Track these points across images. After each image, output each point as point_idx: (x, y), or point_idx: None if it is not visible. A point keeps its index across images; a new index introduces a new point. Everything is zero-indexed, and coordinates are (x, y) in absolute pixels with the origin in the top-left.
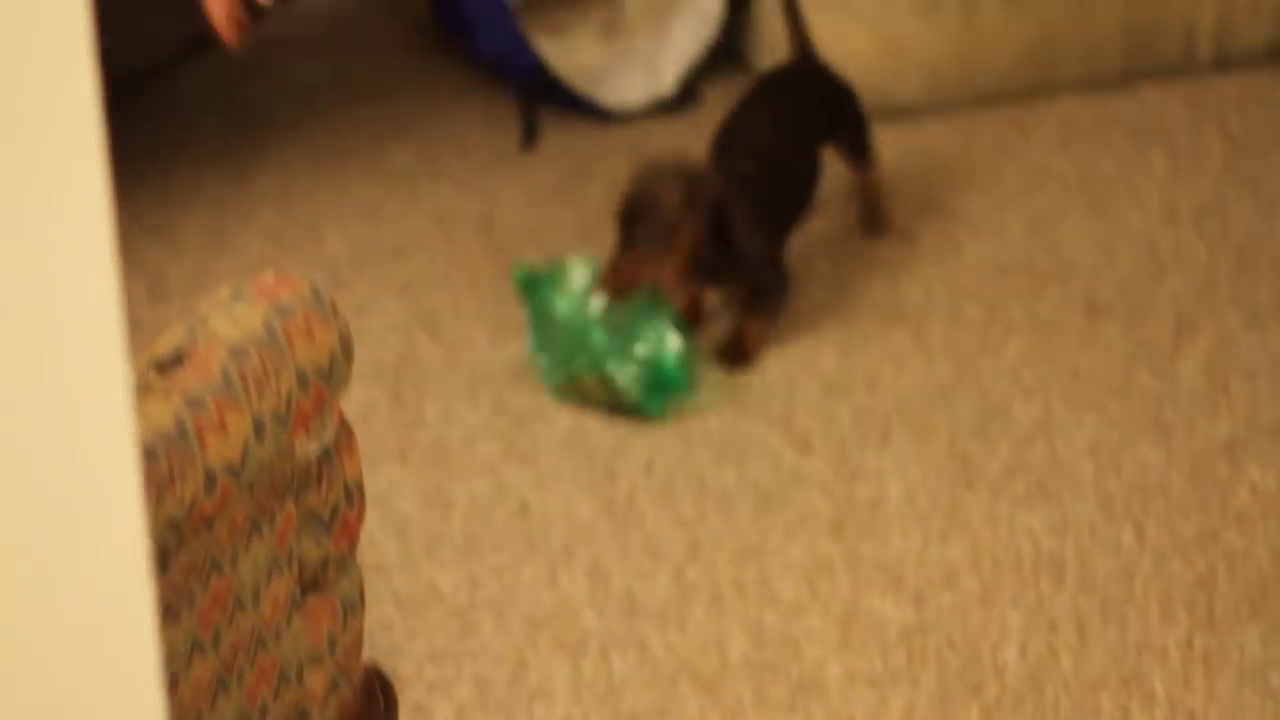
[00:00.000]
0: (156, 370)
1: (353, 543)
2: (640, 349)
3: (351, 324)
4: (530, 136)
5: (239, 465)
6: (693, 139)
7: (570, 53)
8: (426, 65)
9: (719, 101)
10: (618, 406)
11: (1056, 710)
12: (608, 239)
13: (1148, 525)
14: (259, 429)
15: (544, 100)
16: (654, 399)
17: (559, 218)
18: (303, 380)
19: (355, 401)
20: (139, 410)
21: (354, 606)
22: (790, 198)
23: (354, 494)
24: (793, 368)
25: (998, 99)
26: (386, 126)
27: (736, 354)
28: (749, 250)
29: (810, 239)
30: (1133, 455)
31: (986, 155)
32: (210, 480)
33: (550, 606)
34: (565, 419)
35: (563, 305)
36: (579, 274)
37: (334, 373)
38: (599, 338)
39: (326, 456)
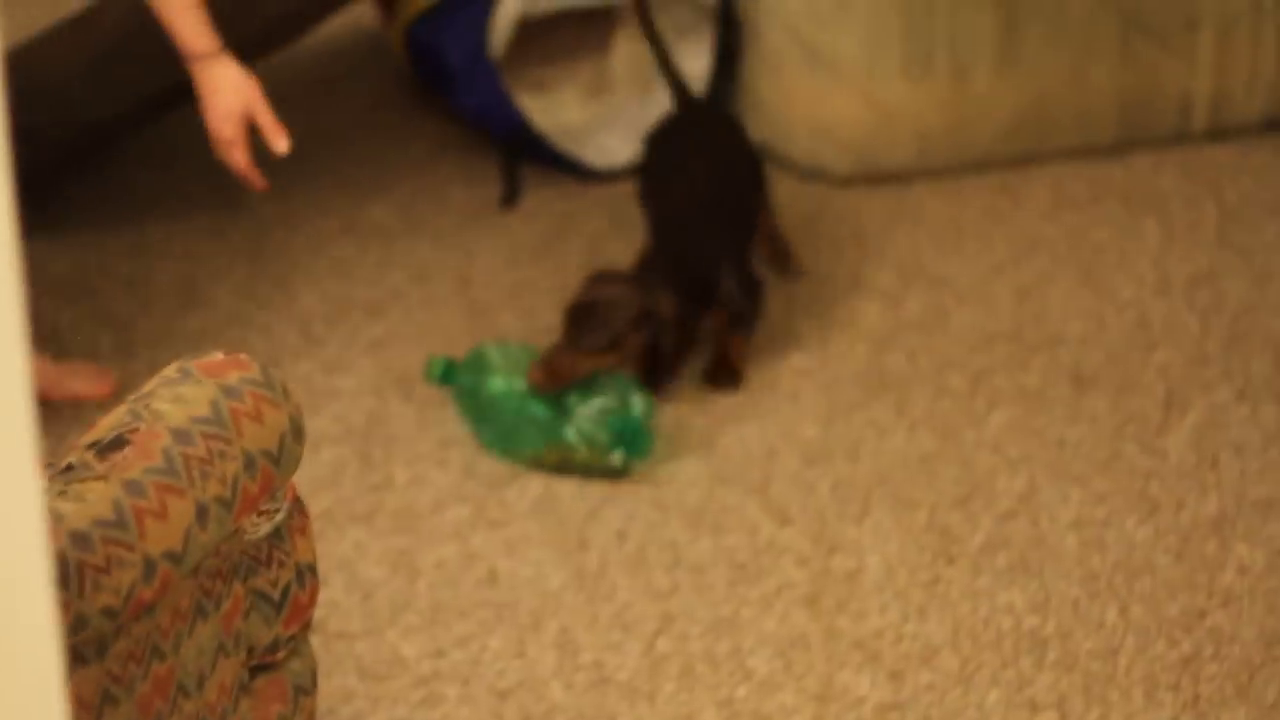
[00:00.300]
0: (96, 453)
1: (305, 624)
2: (601, 403)
3: (321, 383)
4: (511, 194)
5: (180, 552)
6: None
7: (554, 110)
8: (407, 120)
9: None
10: (583, 469)
11: None
12: None
13: (1132, 603)
14: (202, 515)
15: (525, 158)
16: (620, 452)
17: (537, 277)
18: (250, 464)
19: (323, 463)
20: (76, 494)
21: (306, 688)
22: (739, 222)
23: (306, 575)
24: (772, 436)
25: (988, 165)
26: (364, 182)
27: (727, 374)
28: (735, 298)
29: (793, 303)
30: (1118, 531)
31: (975, 222)
32: (149, 568)
33: (517, 677)
34: (537, 484)
35: (494, 384)
36: (502, 356)
37: (283, 456)
38: (539, 409)
39: (278, 536)
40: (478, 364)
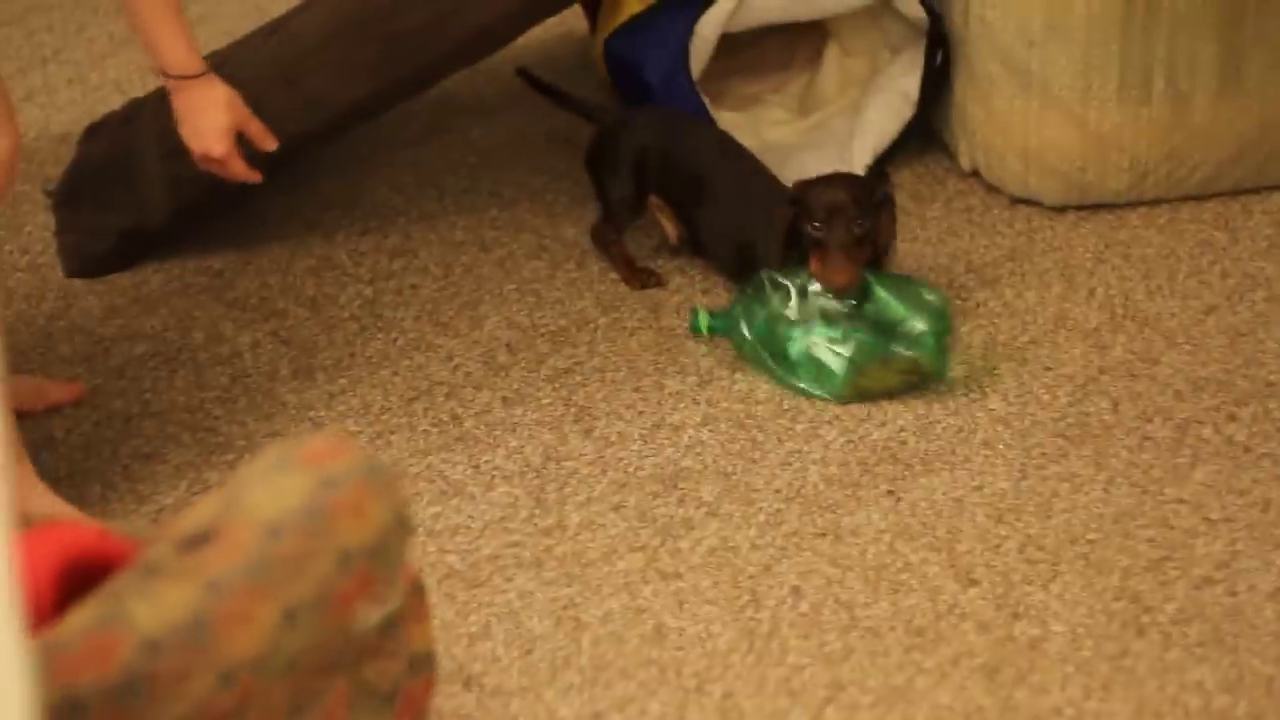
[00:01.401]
0: (178, 549)
1: (420, 715)
2: (919, 321)
3: (500, 415)
4: None
5: (265, 658)
6: None
7: (760, 128)
8: None
9: (909, 183)
10: (910, 381)
11: None
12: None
13: None
14: (290, 618)
15: None
16: (944, 360)
17: (728, 302)
18: (345, 562)
19: (494, 503)
20: (153, 595)
21: None
22: None
23: (421, 665)
24: (962, 489)
25: (1206, 195)
26: (561, 199)
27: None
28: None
29: (993, 342)
30: None
31: (1190, 256)
32: (227, 677)
33: None
34: (713, 534)
35: (785, 312)
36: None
37: (386, 552)
38: (833, 330)
39: (389, 626)
40: (748, 309)
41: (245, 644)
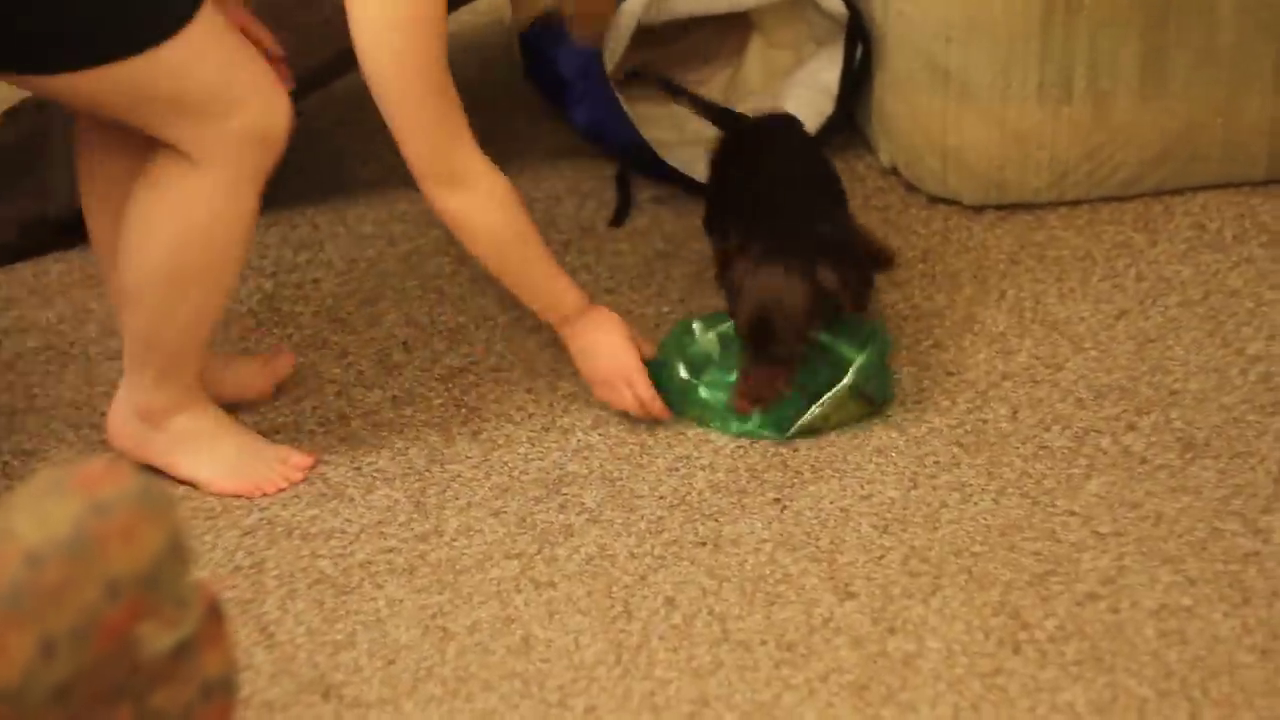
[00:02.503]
0: None
1: None
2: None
3: (389, 415)
4: (623, 212)
5: (21, 689)
6: None
7: (681, 121)
8: (526, 128)
9: None
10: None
11: None
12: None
13: (1205, 708)
14: (48, 649)
15: (643, 173)
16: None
17: (634, 304)
18: (113, 590)
19: (373, 506)
20: None
21: None
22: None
23: (216, 690)
24: (850, 498)
25: (1127, 196)
26: None
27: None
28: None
29: (896, 346)
30: (1203, 623)
31: (1106, 259)
32: None
33: None
34: (591, 541)
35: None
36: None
37: (159, 582)
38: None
39: (181, 651)
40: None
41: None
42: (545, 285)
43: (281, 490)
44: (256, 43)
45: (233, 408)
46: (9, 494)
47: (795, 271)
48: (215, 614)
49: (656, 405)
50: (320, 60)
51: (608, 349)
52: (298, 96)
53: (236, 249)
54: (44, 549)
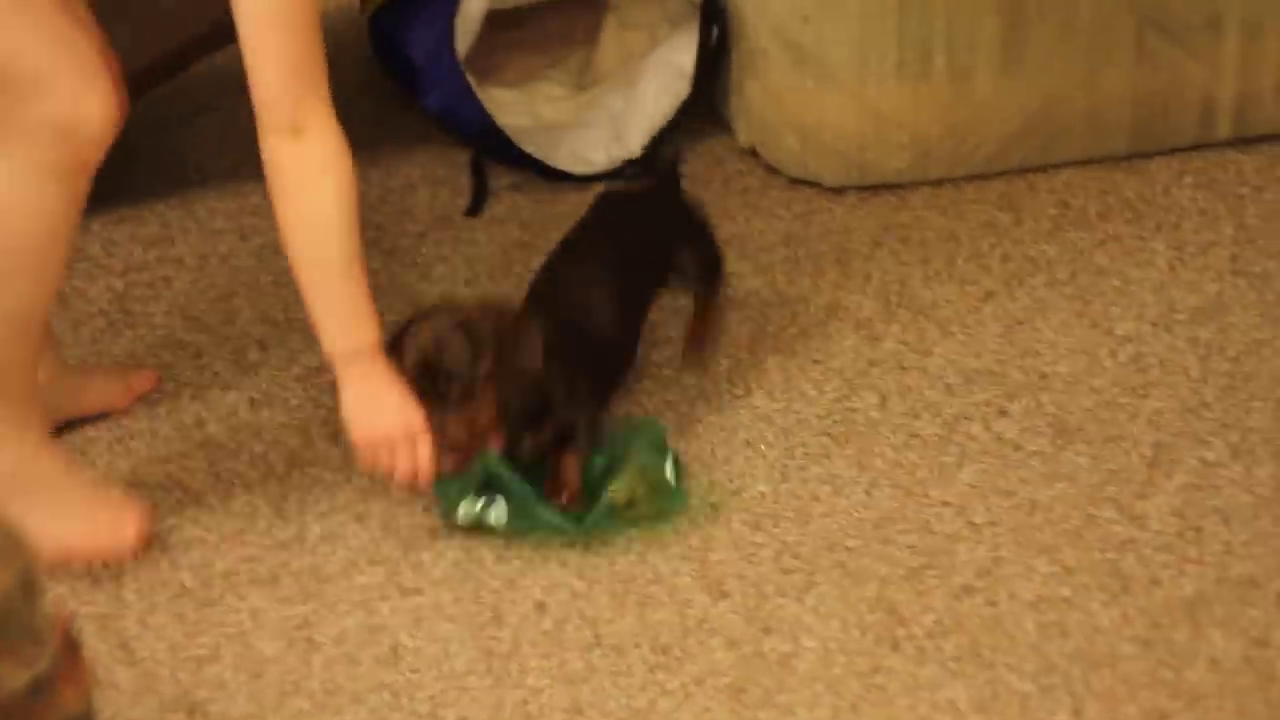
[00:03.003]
0: None
1: None
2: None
3: (246, 418)
4: (479, 200)
5: None
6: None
7: (535, 104)
8: (375, 115)
9: (688, 164)
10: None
11: None
12: None
13: (1088, 701)
14: None
15: (498, 160)
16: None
17: (492, 295)
18: None
19: (232, 513)
20: None
21: None
22: (611, 361)
23: None
24: (719, 492)
25: (990, 174)
26: None
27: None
28: (568, 418)
29: (761, 334)
30: (1082, 613)
31: (971, 239)
32: None
33: None
34: (458, 546)
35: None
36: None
37: (9, 620)
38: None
39: (38, 689)
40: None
41: None
42: (353, 299)
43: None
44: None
45: (84, 420)
46: None
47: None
48: (71, 648)
49: (428, 476)
50: (163, 51)
51: (397, 400)
52: (136, 93)
53: (46, 251)
54: None
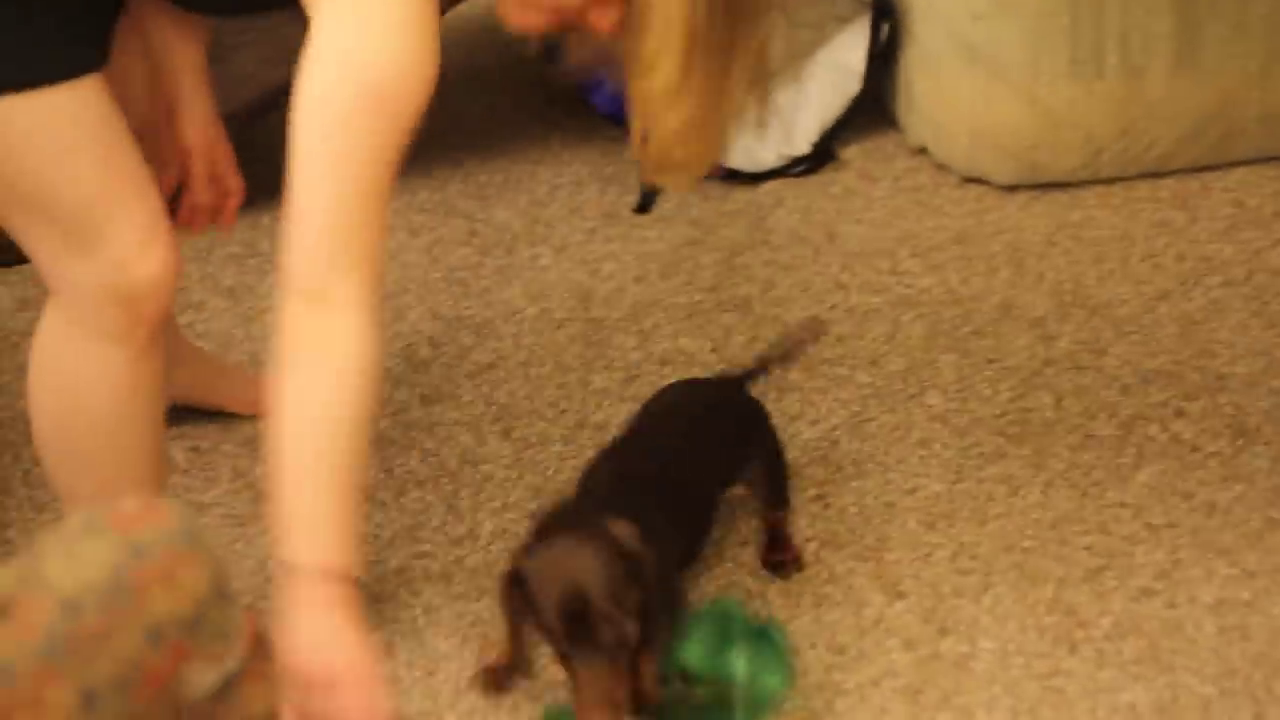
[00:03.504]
0: None
1: None
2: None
3: (418, 414)
4: (648, 198)
5: None
6: (824, 202)
7: None
8: (546, 113)
9: (855, 164)
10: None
11: None
12: (713, 324)
13: (1270, 707)
14: (89, 701)
15: None
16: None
17: (663, 294)
18: (155, 638)
19: (405, 510)
20: None
21: None
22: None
23: None
24: (893, 492)
25: (1163, 173)
26: (494, 181)
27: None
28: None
29: (935, 333)
30: (1263, 617)
31: (1145, 238)
32: None
33: None
34: None
35: None
36: None
37: (202, 624)
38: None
39: (225, 690)
40: None
41: None
42: (338, 510)
43: None
44: (213, 175)
45: (215, 415)
46: (41, 537)
47: (587, 535)
48: (260, 646)
49: None
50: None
51: (356, 640)
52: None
53: (124, 421)
54: (81, 596)
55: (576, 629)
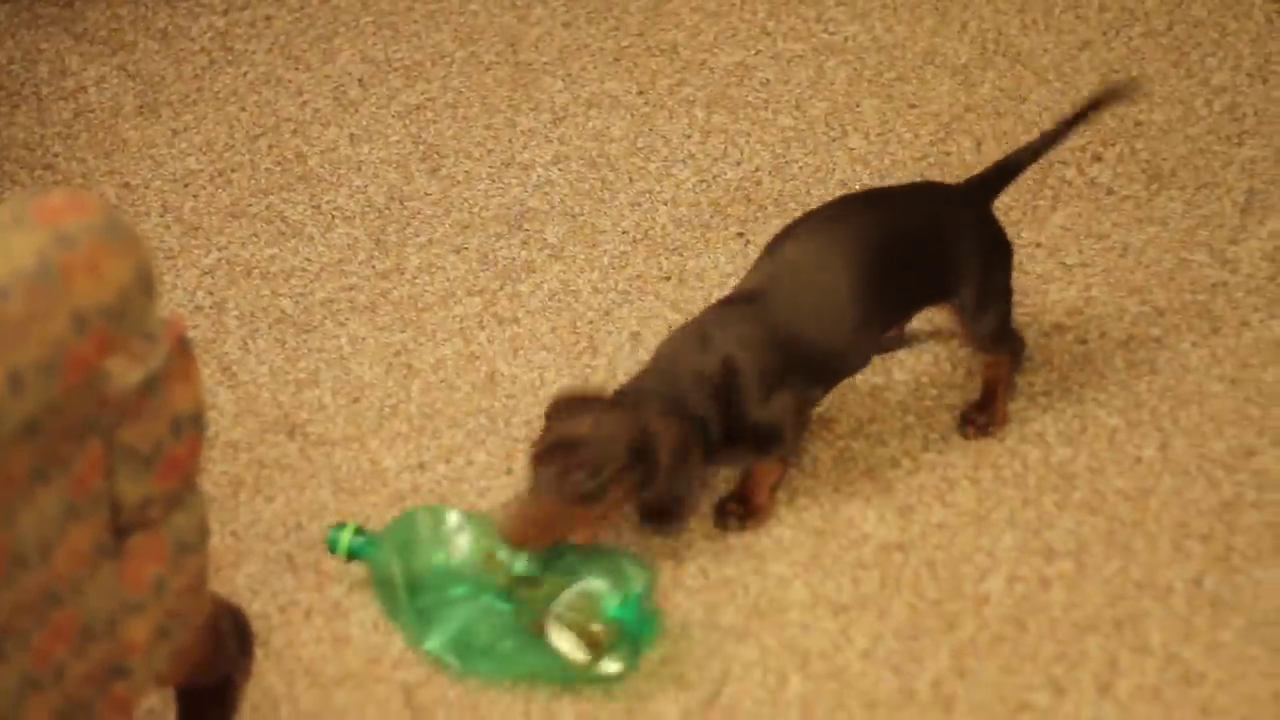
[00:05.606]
0: None
1: (186, 477)
2: (581, 587)
3: (346, 152)
4: None
5: None
6: None
7: None
8: None
9: None
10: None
11: (1035, 656)
12: (640, 69)
13: (1175, 437)
14: (15, 382)
15: None
16: (619, 654)
17: (592, 39)
18: (80, 323)
19: (332, 244)
20: None
21: (190, 545)
22: (829, 359)
23: (185, 426)
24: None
25: None
26: None
27: (745, 508)
28: (760, 423)
29: (857, 81)
30: (1172, 353)
31: None
32: None
33: (499, 497)
34: (554, 277)
35: (433, 559)
36: (433, 524)
37: (126, 315)
38: (495, 599)
39: (150, 385)
40: (403, 535)
41: None
42: None
43: None
44: None
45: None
46: None
47: (619, 406)
48: (183, 349)
49: None
50: None
51: None
52: None
53: None
54: (8, 280)
55: (545, 464)
